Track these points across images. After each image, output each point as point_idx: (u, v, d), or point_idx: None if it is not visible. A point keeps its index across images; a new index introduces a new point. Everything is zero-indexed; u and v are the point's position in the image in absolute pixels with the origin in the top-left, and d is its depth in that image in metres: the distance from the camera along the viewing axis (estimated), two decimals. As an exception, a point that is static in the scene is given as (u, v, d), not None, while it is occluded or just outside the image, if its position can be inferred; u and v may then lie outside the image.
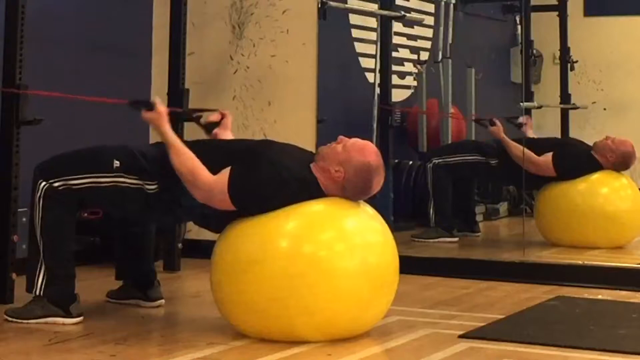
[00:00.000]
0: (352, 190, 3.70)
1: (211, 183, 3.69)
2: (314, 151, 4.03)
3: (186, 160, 3.74)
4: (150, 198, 3.88)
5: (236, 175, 3.66)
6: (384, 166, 3.76)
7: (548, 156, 6.18)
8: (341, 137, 3.76)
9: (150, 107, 3.86)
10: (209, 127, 4.20)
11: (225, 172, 3.68)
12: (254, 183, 3.66)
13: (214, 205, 3.72)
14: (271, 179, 3.65)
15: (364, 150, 3.71)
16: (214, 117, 4.21)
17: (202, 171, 3.70)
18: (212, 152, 3.84)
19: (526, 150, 6.15)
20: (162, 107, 3.87)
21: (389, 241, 3.79)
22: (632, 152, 6.19)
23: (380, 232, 3.78)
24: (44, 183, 3.91)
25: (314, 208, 3.69)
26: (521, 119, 6.42)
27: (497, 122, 6.34)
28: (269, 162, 3.69)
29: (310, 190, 3.68)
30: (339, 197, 3.72)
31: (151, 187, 3.87)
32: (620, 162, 6.18)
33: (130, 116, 5.41)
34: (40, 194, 3.91)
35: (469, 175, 6.58)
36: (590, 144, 6.30)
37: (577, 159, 6.22)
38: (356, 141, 3.73)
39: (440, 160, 6.40)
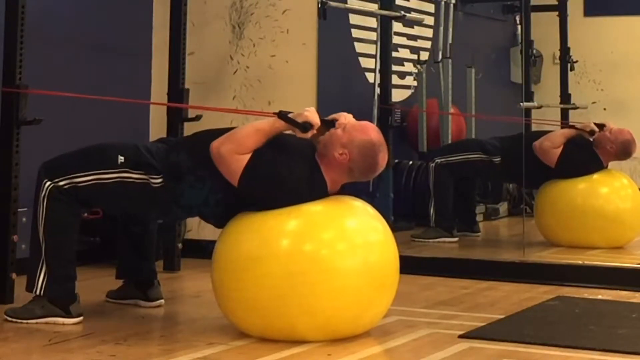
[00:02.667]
0: (359, 170, 3.72)
1: (234, 158, 3.68)
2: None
3: (253, 139, 3.69)
4: (155, 193, 3.88)
5: (254, 164, 3.67)
6: (385, 142, 3.77)
7: (558, 147, 6.17)
8: (334, 116, 3.75)
9: (307, 128, 3.74)
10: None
11: (246, 156, 3.68)
12: (265, 181, 3.68)
13: (222, 171, 3.71)
14: (281, 180, 3.67)
15: (365, 129, 3.74)
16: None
17: (242, 150, 3.68)
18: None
19: (551, 134, 6.17)
20: (310, 128, 3.76)
21: (389, 241, 3.80)
22: (631, 140, 6.19)
23: (381, 232, 3.78)
24: (49, 182, 3.91)
25: (315, 207, 3.70)
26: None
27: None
28: (282, 161, 3.71)
29: (315, 193, 3.70)
30: (346, 183, 3.75)
31: (157, 181, 3.86)
32: (622, 151, 6.18)
33: (130, 116, 5.44)
34: (45, 193, 3.91)
35: (472, 174, 6.57)
36: (592, 141, 6.30)
37: (582, 160, 6.20)
38: (355, 122, 3.77)
39: (443, 160, 6.39)
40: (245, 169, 3.67)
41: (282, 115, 3.76)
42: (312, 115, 3.75)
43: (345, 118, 3.81)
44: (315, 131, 3.76)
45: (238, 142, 3.70)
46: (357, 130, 3.72)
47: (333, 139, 3.72)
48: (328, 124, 3.81)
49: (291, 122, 3.74)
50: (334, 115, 3.84)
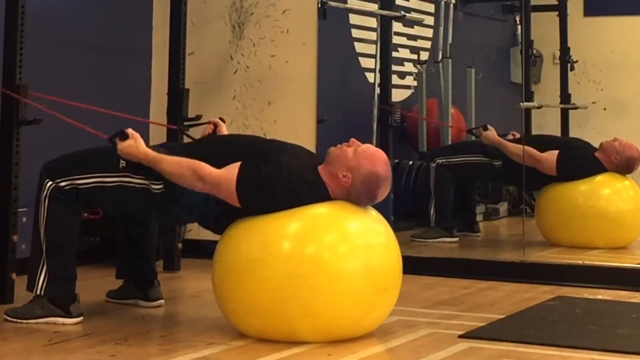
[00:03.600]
0: (357, 196, 3.70)
1: (219, 177, 3.68)
2: (314, 151, 4.03)
3: (181, 163, 3.74)
4: (155, 198, 3.88)
5: (245, 174, 3.66)
6: (391, 176, 3.76)
7: (552, 154, 6.16)
8: (353, 139, 3.75)
9: (124, 136, 3.84)
10: None
11: (234, 168, 3.67)
12: (263, 185, 3.66)
13: (220, 197, 3.71)
14: (280, 182, 3.65)
15: (374, 159, 3.69)
16: (207, 130, 4.21)
17: (204, 167, 3.70)
18: (217, 148, 3.84)
19: (527, 147, 6.15)
20: (133, 132, 3.86)
21: (392, 243, 3.78)
22: (636, 158, 6.19)
23: (384, 234, 3.77)
24: (50, 182, 3.91)
25: (317, 210, 3.68)
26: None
27: (489, 127, 6.34)
28: (280, 164, 3.69)
29: (317, 195, 3.68)
30: (343, 200, 3.72)
31: (157, 186, 3.86)
32: (624, 165, 6.18)
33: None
34: (46, 193, 3.91)
35: (472, 175, 6.58)
36: (591, 144, 6.31)
37: (581, 164, 6.20)
38: (368, 148, 3.72)
39: (443, 161, 6.39)
40: (238, 187, 3.65)
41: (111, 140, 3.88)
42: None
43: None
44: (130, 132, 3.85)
45: (190, 172, 3.70)
46: (367, 159, 3.67)
47: (341, 158, 3.68)
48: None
49: (112, 139, 3.86)
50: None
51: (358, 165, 3.66)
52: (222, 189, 3.68)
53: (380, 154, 3.75)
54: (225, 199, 3.70)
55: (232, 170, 3.67)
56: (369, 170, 3.66)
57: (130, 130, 3.86)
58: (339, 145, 3.74)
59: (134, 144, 3.83)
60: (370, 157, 3.69)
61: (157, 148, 4.02)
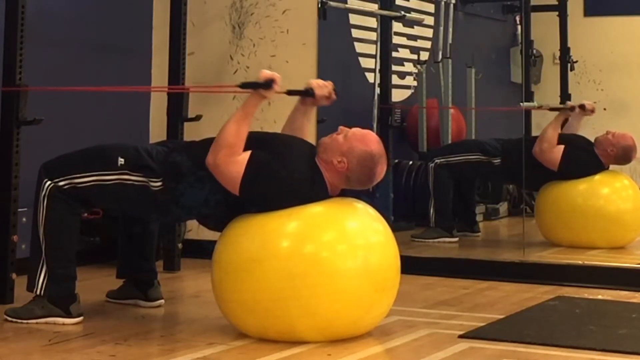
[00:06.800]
0: (356, 180, 3.73)
1: (231, 162, 3.68)
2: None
3: (238, 133, 3.70)
4: (154, 196, 3.88)
5: (249, 172, 3.67)
6: (385, 154, 3.77)
7: (559, 148, 6.16)
8: (341, 127, 3.77)
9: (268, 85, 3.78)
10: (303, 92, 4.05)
11: (243, 161, 3.68)
12: (264, 185, 3.67)
13: (221, 181, 3.71)
14: (280, 182, 3.67)
15: (366, 139, 3.73)
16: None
17: (236, 150, 3.68)
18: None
19: (551, 132, 6.18)
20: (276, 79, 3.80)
21: (390, 242, 3.79)
22: (632, 146, 6.20)
23: (382, 233, 3.78)
24: (49, 182, 3.91)
25: (316, 209, 3.69)
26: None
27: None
28: (280, 163, 3.70)
29: (315, 194, 3.70)
30: (344, 188, 3.75)
31: (156, 184, 3.86)
32: (621, 156, 6.19)
33: (130, 116, 5.44)
34: (45, 193, 3.91)
35: (471, 174, 6.57)
36: (593, 143, 6.31)
37: (584, 162, 6.20)
38: (357, 130, 3.76)
39: (442, 160, 6.39)
40: (244, 175, 3.67)
41: (243, 85, 3.80)
42: (267, 72, 3.78)
43: (317, 83, 3.91)
44: (277, 87, 3.76)
45: (228, 144, 3.70)
46: (358, 140, 3.71)
47: (333, 145, 3.72)
48: (303, 93, 3.89)
49: (254, 85, 3.77)
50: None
51: (351, 148, 3.69)
52: (226, 173, 3.68)
53: (371, 134, 3.80)
54: (226, 185, 3.70)
55: (240, 163, 3.67)
56: (362, 150, 3.69)
57: (274, 78, 3.77)
58: (329, 135, 3.77)
59: (252, 100, 3.79)
60: (361, 138, 3.72)
61: (156, 147, 4.03)
